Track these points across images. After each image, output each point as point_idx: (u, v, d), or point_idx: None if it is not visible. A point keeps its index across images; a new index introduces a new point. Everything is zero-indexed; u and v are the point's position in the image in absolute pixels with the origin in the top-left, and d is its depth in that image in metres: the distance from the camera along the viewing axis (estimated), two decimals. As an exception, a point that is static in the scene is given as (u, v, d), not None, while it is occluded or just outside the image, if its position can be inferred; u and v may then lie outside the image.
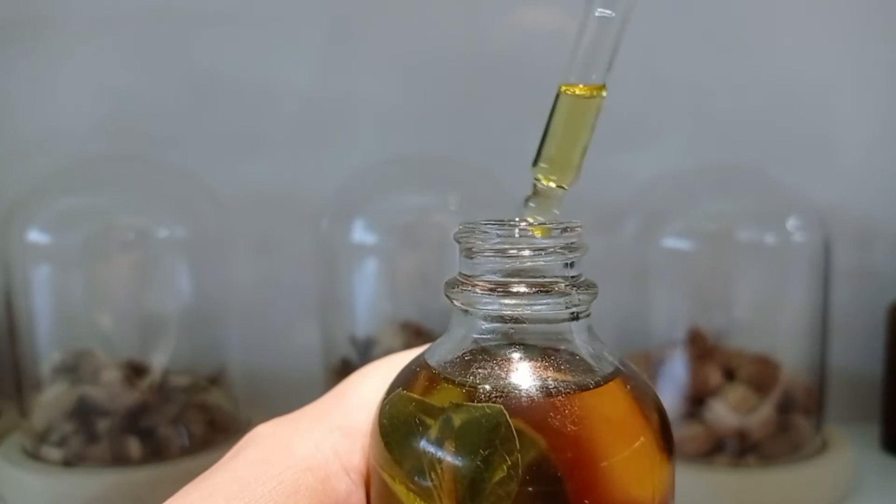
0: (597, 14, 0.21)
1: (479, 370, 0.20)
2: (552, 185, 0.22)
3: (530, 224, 0.22)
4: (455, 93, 0.64)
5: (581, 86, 0.22)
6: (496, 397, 0.19)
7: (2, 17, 0.63)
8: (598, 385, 0.20)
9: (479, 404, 0.19)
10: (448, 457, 0.19)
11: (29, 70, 0.64)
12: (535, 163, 0.23)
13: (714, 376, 0.51)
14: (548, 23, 0.62)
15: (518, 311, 0.20)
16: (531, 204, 0.23)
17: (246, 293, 0.63)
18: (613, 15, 0.21)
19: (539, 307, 0.20)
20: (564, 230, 0.21)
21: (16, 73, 0.64)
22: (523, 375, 0.20)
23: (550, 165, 0.22)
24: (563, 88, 0.22)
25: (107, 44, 0.64)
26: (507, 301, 0.20)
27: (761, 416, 0.50)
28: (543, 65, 0.60)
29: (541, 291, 0.20)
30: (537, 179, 0.22)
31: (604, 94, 0.22)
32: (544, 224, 0.22)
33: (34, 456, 0.51)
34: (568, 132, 0.22)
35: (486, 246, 0.21)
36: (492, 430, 0.19)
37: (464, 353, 0.21)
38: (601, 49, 0.22)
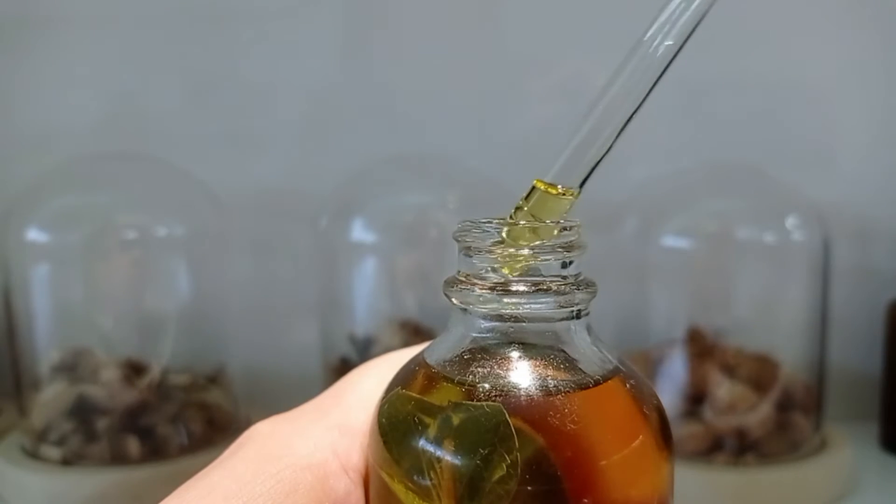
0: (591, 123, 0.21)
1: (478, 369, 0.20)
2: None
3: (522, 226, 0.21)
4: (456, 92, 0.64)
5: (558, 187, 0.21)
6: (495, 396, 0.19)
7: (2, 17, 0.63)
8: (597, 384, 0.20)
9: (478, 403, 0.19)
10: (447, 456, 0.19)
11: (29, 69, 0.64)
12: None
13: (713, 375, 0.51)
14: (552, 26, 0.62)
15: (517, 310, 0.20)
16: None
17: (245, 292, 0.63)
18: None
19: (538, 306, 0.20)
20: (563, 229, 0.21)
21: (16, 72, 0.64)
22: (522, 374, 0.20)
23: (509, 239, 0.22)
24: (538, 183, 0.22)
25: (107, 43, 0.64)
26: (506, 300, 0.20)
27: (760, 414, 0.50)
28: (546, 69, 0.61)
29: (540, 290, 0.20)
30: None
31: (575, 195, 0.21)
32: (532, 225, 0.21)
33: (33, 455, 0.51)
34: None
35: (486, 244, 0.21)
36: (491, 429, 0.19)
37: (463, 352, 0.21)
38: (587, 156, 0.21)
